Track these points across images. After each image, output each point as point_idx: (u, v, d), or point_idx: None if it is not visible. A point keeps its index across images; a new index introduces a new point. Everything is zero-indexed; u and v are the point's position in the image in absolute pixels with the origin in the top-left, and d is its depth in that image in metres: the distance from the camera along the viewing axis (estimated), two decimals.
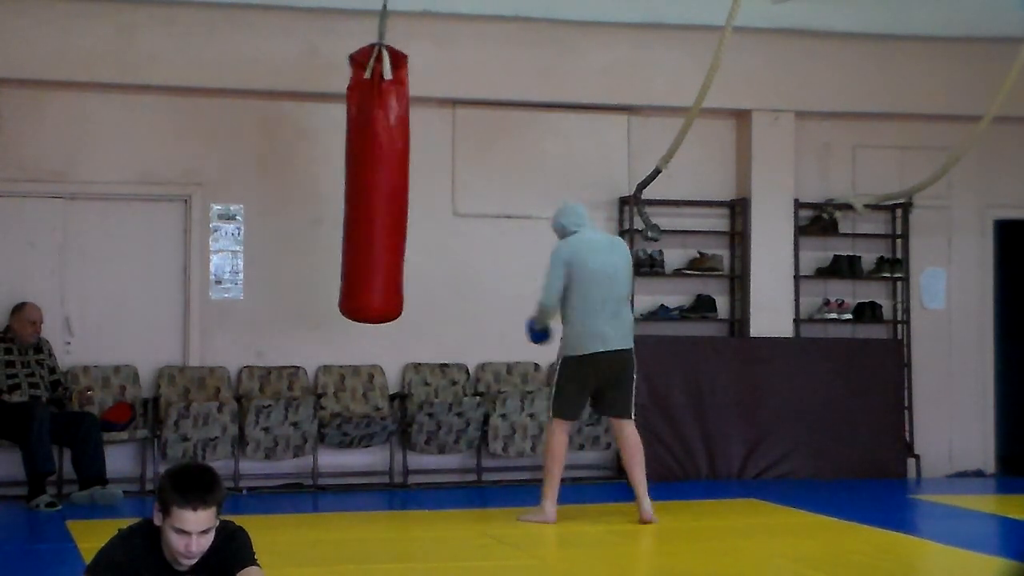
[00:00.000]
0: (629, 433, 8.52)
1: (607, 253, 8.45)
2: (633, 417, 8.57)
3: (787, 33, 11.04)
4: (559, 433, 8.49)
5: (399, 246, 9.54)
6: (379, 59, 9.27)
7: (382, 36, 9.34)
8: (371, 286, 9.48)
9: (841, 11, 10.67)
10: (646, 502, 8.43)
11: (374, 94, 9.28)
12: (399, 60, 9.38)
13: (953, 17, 10.83)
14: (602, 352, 8.36)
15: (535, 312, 8.64)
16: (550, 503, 8.48)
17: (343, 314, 9.66)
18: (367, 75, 9.27)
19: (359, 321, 9.71)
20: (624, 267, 8.51)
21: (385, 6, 9.29)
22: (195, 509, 4.20)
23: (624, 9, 10.60)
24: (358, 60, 9.37)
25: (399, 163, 9.43)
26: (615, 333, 8.38)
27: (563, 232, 8.56)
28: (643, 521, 8.37)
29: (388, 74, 9.30)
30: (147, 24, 10.13)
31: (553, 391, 8.55)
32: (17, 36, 9.90)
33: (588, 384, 8.45)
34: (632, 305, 10.91)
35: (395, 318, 9.71)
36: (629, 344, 8.49)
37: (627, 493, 10.33)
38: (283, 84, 10.39)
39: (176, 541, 4.22)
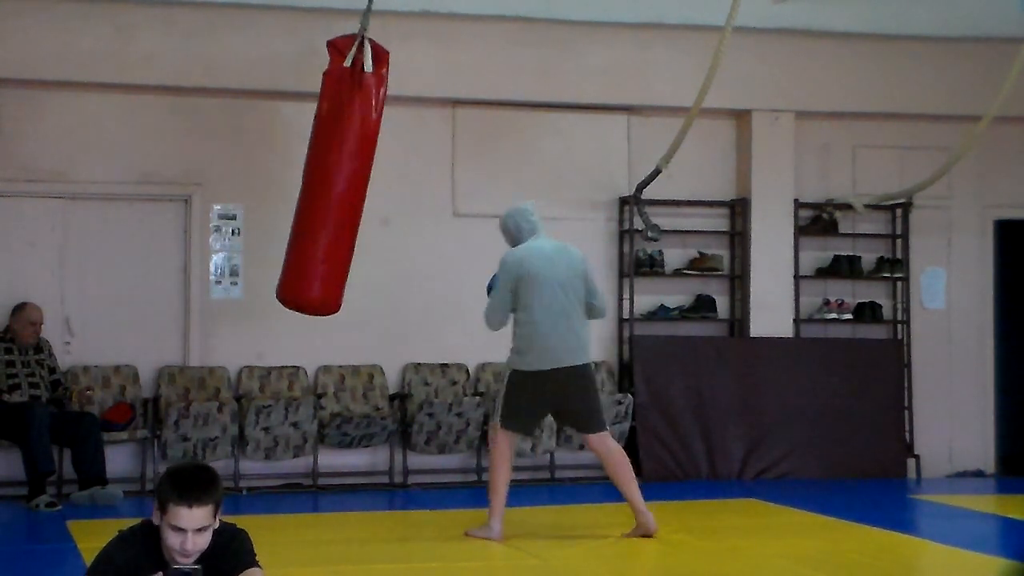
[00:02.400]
0: (608, 446, 7.95)
1: (559, 263, 7.85)
2: (608, 428, 8.03)
3: (787, 33, 11.04)
4: (502, 445, 7.90)
5: (351, 241, 9.21)
6: (361, 49, 9.11)
7: (365, 28, 9.16)
8: (315, 276, 9.12)
9: (841, 11, 10.67)
10: (645, 516, 7.94)
11: (352, 83, 9.07)
12: (381, 55, 9.20)
13: (953, 17, 10.83)
14: (550, 370, 7.78)
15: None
16: (496, 520, 7.91)
17: (281, 302, 9.38)
18: (347, 63, 9.06)
19: (295, 311, 9.44)
20: (577, 276, 7.90)
21: (370, 2, 9.15)
22: (191, 506, 4.21)
23: (624, 9, 10.59)
24: (339, 47, 9.19)
25: (366, 156, 9.11)
26: (567, 349, 7.79)
27: (515, 239, 8.01)
28: (647, 535, 7.92)
29: (369, 66, 9.10)
30: (146, 24, 10.14)
31: (501, 399, 7.93)
32: (17, 36, 9.90)
33: (540, 402, 7.90)
34: (632, 306, 10.98)
35: (333, 312, 9.39)
36: (584, 360, 7.86)
37: None
38: (283, 84, 10.39)
39: (172, 539, 4.23)
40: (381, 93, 9.09)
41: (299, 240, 9.25)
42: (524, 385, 7.86)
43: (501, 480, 7.92)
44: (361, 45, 9.04)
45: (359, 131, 9.03)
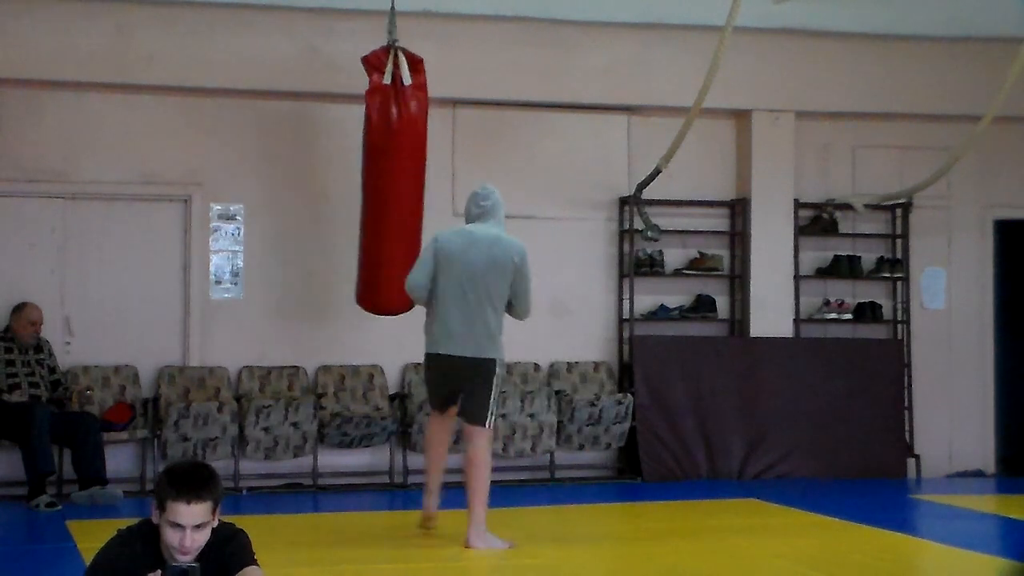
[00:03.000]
0: (477, 444, 7.68)
1: (481, 252, 7.63)
2: (486, 426, 7.68)
3: (787, 33, 11.04)
4: (428, 423, 8.13)
5: (418, 242, 9.48)
6: (397, 63, 9.26)
7: (396, 38, 9.29)
8: (390, 281, 9.30)
9: (841, 11, 10.67)
10: (472, 528, 7.60)
11: (397, 100, 9.26)
12: (417, 64, 9.40)
13: (953, 17, 10.83)
14: (444, 355, 7.70)
15: None
16: (429, 496, 7.95)
17: (366, 308, 9.68)
18: (387, 80, 9.21)
19: (380, 314, 9.73)
20: (501, 271, 7.66)
21: (393, 6, 9.23)
22: (189, 503, 4.22)
23: (624, 9, 10.59)
24: (374, 64, 9.30)
25: (421, 161, 9.52)
26: (466, 338, 7.64)
27: (465, 220, 7.89)
28: (465, 545, 7.60)
29: (407, 79, 9.26)
30: (147, 24, 10.13)
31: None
32: (17, 36, 9.90)
33: (439, 381, 7.84)
34: (632, 306, 10.98)
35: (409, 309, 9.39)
36: (482, 353, 7.64)
37: (627, 493, 10.37)
38: (283, 84, 10.39)
39: (171, 536, 4.24)
40: (423, 99, 9.39)
41: (372, 249, 9.51)
42: (426, 365, 7.89)
43: (427, 458, 8.04)
44: (396, 57, 9.17)
45: (411, 141, 9.27)
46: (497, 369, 7.70)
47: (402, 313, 9.57)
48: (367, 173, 9.58)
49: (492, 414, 7.72)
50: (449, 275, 7.65)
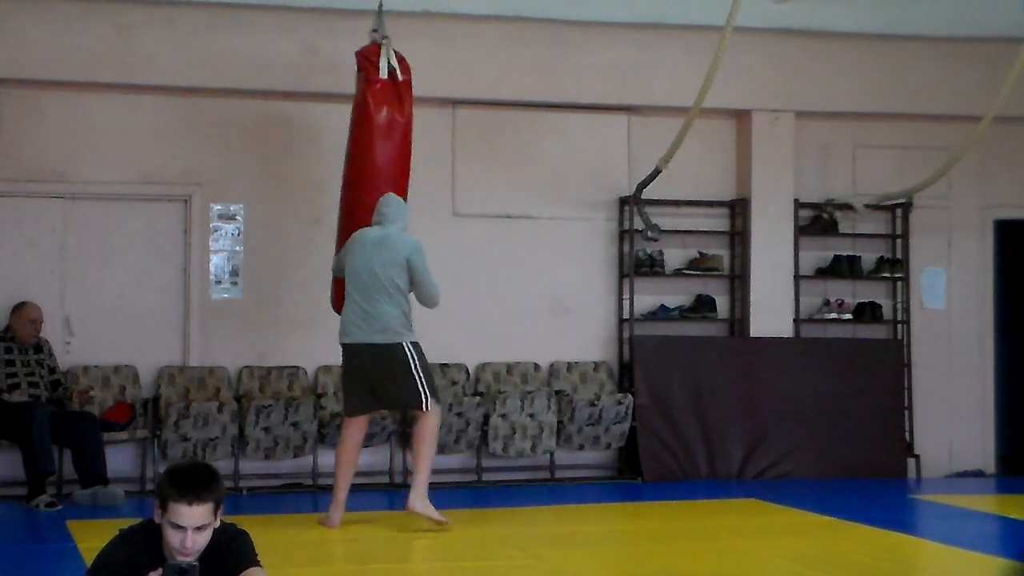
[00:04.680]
0: (420, 422, 8.33)
1: (375, 250, 8.36)
2: (426, 408, 8.27)
3: (787, 33, 11.04)
4: (342, 429, 8.59)
5: None
6: (390, 58, 9.20)
7: (384, 34, 9.20)
8: None
9: (841, 11, 10.67)
10: (414, 491, 8.23)
11: (394, 94, 9.20)
12: (403, 61, 9.33)
13: (953, 17, 10.83)
14: (351, 343, 8.39)
15: None
16: (335, 508, 8.41)
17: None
18: (383, 75, 9.15)
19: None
20: (395, 265, 8.33)
21: (381, 5, 9.18)
22: (190, 504, 4.22)
23: (624, 9, 10.59)
24: (370, 59, 9.24)
25: (408, 157, 9.34)
26: (366, 326, 8.32)
27: (372, 223, 8.60)
28: (406, 508, 8.25)
29: (399, 74, 9.23)
30: (147, 24, 10.14)
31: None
32: (17, 36, 9.90)
33: (357, 375, 8.43)
34: (632, 306, 10.97)
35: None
36: (386, 339, 8.28)
37: (627, 493, 10.37)
38: (283, 84, 10.39)
39: (172, 536, 4.24)
40: (410, 98, 9.27)
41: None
42: (344, 359, 8.53)
43: (338, 469, 8.50)
44: (386, 53, 9.12)
45: (404, 135, 9.17)
46: (409, 352, 8.29)
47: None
48: (358, 166, 9.32)
49: (428, 394, 8.29)
50: (351, 273, 8.44)
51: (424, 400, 8.26)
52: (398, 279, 8.33)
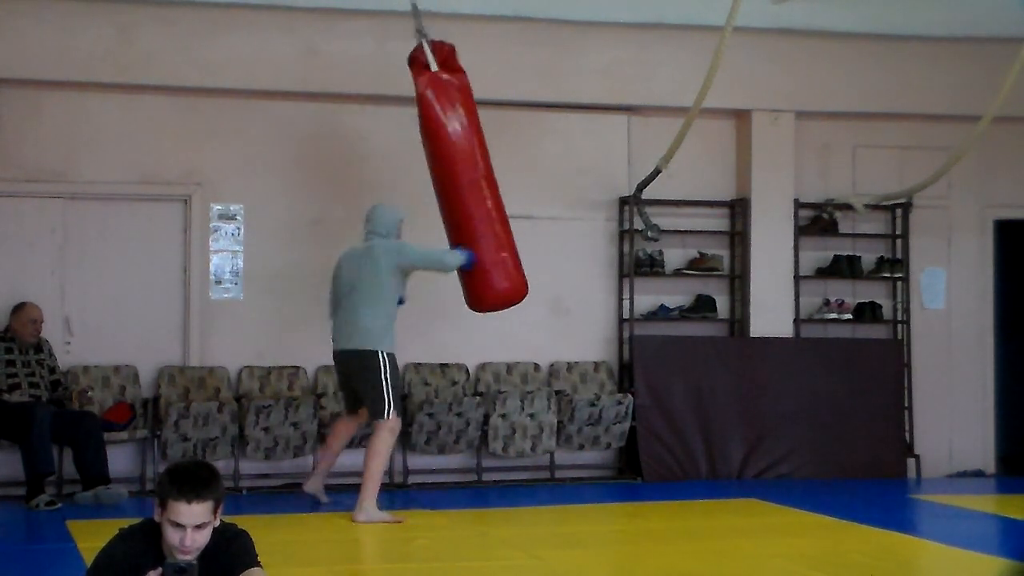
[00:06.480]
0: (374, 435, 8.69)
1: (353, 264, 8.80)
2: (385, 418, 8.59)
3: (787, 33, 11.04)
4: (336, 424, 9.35)
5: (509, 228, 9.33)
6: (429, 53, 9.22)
7: (424, 32, 9.19)
8: (500, 272, 9.17)
9: (841, 11, 10.67)
10: (358, 506, 8.57)
11: (450, 85, 9.20)
12: (452, 54, 9.39)
13: (953, 17, 10.83)
14: (335, 351, 8.91)
15: None
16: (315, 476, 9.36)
17: (486, 309, 9.36)
18: (434, 68, 9.15)
19: (495, 311, 9.44)
20: (366, 274, 8.66)
21: (415, 5, 9.20)
22: (190, 502, 4.23)
23: (624, 9, 10.59)
24: (420, 59, 9.21)
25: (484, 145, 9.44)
26: (342, 334, 8.78)
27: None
28: (352, 520, 8.58)
29: (434, 66, 9.21)
30: (147, 24, 10.13)
31: None
32: (17, 36, 9.90)
33: (342, 382, 9.11)
34: (632, 306, 10.97)
35: (525, 295, 9.38)
36: (356, 346, 8.66)
37: (627, 493, 10.38)
38: (283, 84, 10.39)
39: (172, 535, 4.25)
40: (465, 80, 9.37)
41: (474, 246, 9.17)
42: (334, 366, 9.13)
43: (323, 451, 9.37)
44: (427, 50, 9.17)
45: (477, 127, 9.30)
46: (383, 361, 8.57)
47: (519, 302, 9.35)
48: (445, 168, 9.29)
49: (389, 406, 8.58)
50: (336, 290, 8.90)
51: (386, 409, 8.58)
52: (386, 286, 8.64)
